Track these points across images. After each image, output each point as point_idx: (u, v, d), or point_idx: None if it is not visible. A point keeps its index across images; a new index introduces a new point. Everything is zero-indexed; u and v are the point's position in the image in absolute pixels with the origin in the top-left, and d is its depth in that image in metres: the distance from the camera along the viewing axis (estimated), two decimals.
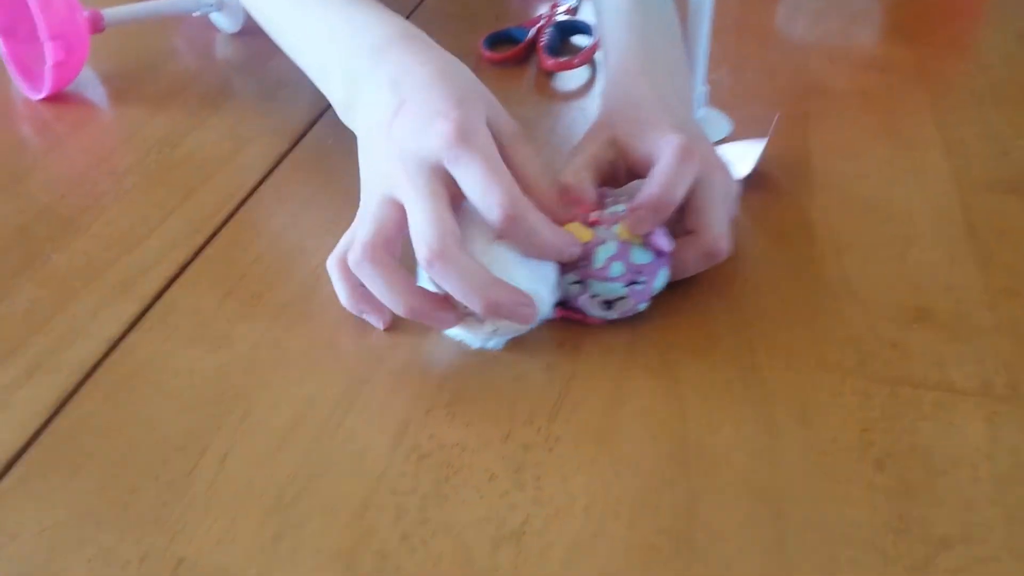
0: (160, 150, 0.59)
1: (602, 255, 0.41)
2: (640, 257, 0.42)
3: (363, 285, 0.41)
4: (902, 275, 0.47)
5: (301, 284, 0.47)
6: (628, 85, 0.48)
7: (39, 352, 0.43)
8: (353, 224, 0.44)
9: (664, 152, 0.42)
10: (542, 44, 0.69)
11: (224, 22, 0.75)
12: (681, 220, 0.44)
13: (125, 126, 0.63)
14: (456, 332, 0.42)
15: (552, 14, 0.73)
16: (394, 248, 0.40)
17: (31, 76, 0.67)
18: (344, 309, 0.44)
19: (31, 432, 0.39)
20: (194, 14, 0.74)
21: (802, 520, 0.35)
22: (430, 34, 0.45)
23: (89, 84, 0.68)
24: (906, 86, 0.65)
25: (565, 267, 0.42)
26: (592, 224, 0.42)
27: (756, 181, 0.52)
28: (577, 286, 0.42)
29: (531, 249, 0.40)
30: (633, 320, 0.43)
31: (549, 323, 0.42)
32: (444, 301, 0.40)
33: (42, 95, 0.66)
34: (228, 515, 0.35)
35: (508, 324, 0.40)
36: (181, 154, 0.59)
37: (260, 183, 0.56)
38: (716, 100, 0.60)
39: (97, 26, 0.66)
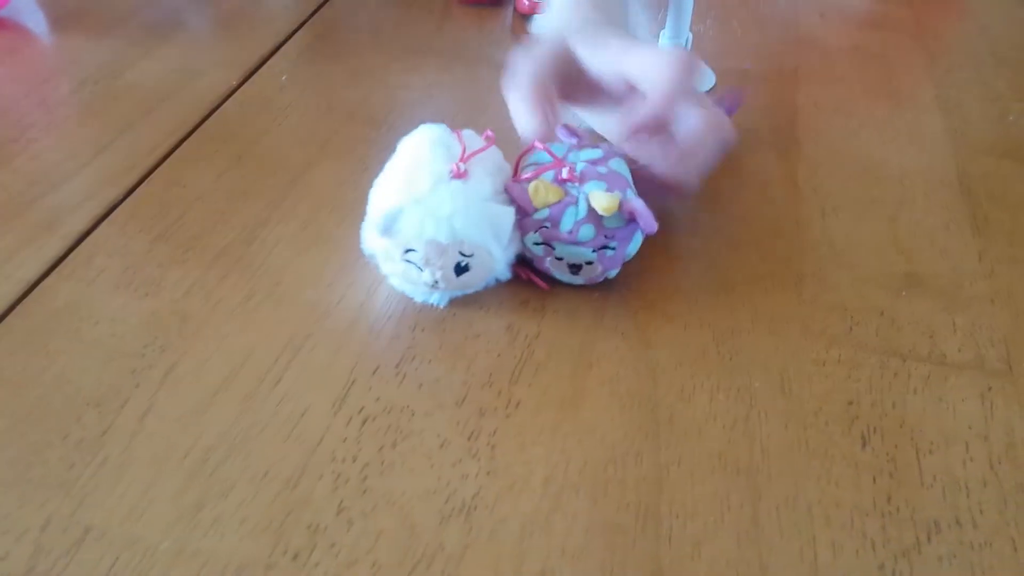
0: (98, 81, 0.54)
1: (570, 217, 0.38)
2: (613, 220, 0.38)
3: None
4: (893, 239, 0.44)
5: (242, 228, 0.43)
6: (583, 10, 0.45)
7: None
8: None
9: (659, 64, 0.39)
10: None
11: None
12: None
13: (63, 55, 0.58)
14: (399, 283, 0.38)
15: None
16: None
17: None
18: (287, 257, 0.40)
19: None
20: None
21: (779, 498, 0.32)
22: None
23: (25, 8, 0.63)
24: (903, 44, 0.62)
25: (530, 226, 0.38)
26: (562, 182, 0.38)
27: (741, 136, 0.49)
28: (541, 247, 0.39)
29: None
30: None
31: (511, 281, 0.39)
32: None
33: None
34: (144, 480, 0.32)
35: (452, 278, 0.36)
36: (121, 86, 0.54)
37: (205, 119, 0.51)
38: (699, 51, 0.56)
39: None
